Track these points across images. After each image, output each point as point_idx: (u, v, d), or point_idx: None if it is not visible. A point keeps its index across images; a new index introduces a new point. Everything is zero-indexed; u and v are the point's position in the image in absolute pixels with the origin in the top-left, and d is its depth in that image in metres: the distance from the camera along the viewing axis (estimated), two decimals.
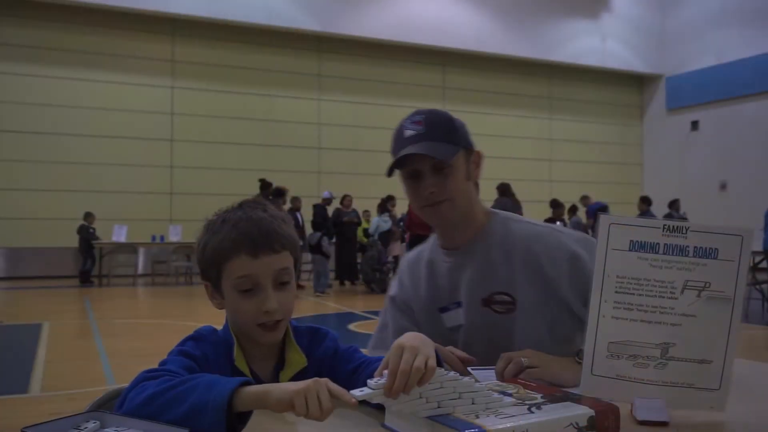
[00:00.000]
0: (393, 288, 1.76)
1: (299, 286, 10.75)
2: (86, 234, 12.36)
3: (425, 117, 1.53)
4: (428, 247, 1.71)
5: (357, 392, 0.96)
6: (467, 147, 1.56)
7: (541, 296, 1.53)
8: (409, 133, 1.52)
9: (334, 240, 11.53)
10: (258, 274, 1.15)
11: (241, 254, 1.15)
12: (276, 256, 1.16)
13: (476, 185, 1.61)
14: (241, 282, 1.15)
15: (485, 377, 1.29)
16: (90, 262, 12.46)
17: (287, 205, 10.66)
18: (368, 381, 0.97)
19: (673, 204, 13.43)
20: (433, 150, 1.48)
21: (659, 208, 13.25)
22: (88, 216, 12.50)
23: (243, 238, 1.15)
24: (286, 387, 0.92)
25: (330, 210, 11.46)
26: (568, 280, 1.51)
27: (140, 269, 13.49)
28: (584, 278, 1.45)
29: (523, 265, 1.54)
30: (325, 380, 0.92)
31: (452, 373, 1.01)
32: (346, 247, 11.73)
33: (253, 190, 11.23)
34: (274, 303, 1.15)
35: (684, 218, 13.13)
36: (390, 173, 1.54)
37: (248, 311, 1.16)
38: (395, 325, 1.68)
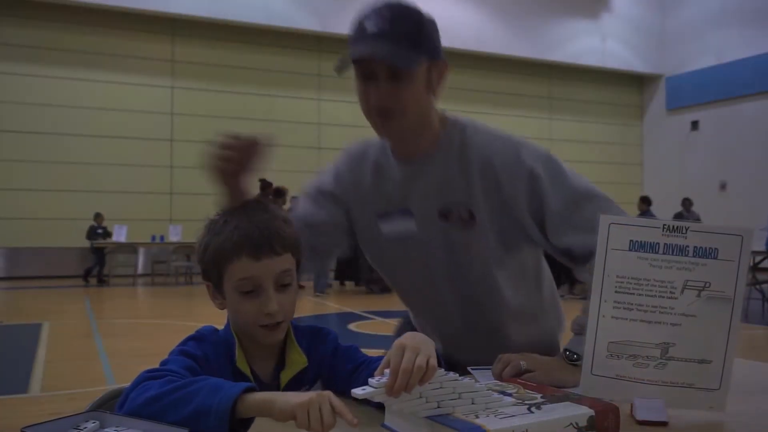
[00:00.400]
0: (324, 178, 1.60)
1: (299, 286, 10.73)
2: (92, 234, 12.41)
3: (392, 13, 1.34)
4: (376, 147, 1.55)
5: (359, 391, 0.96)
6: (434, 56, 1.38)
7: (496, 213, 1.43)
8: (371, 28, 1.33)
9: None
10: (259, 276, 1.15)
11: (243, 256, 1.14)
12: (278, 258, 1.16)
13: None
14: (242, 284, 1.15)
15: (485, 377, 1.29)
16: (96, 261, 12.47)
17: (287, 205, 10.66)
18: (370, 380, 0.97)
19: (685, 203, 13.33)
20: (394, 55, 1.30)
21: (659, 208, 13.25)
22: (97, 216, 12.54)
23: (245, 240, 1.15)
24: (289, 398, 0.92)
25: None
26: (526, 199, 1.41)
27: (140, 269, 13.50)
28: (540, 199, 1.40)
29: (481, 178, 1.42)
30: (328, 394, 0.92)
31: (452, 373, 1.01)
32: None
33: (253, 190, 11.23)
34: (275, 305, 1.15)
35: (697, 218, 13.06)
36: (339, 71, 1.35)
37: (249, 313, 1.16)
38: (306, 211, 1.56)
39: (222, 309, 1.23)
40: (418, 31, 1.36)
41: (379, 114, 1.36)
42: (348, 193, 1.56)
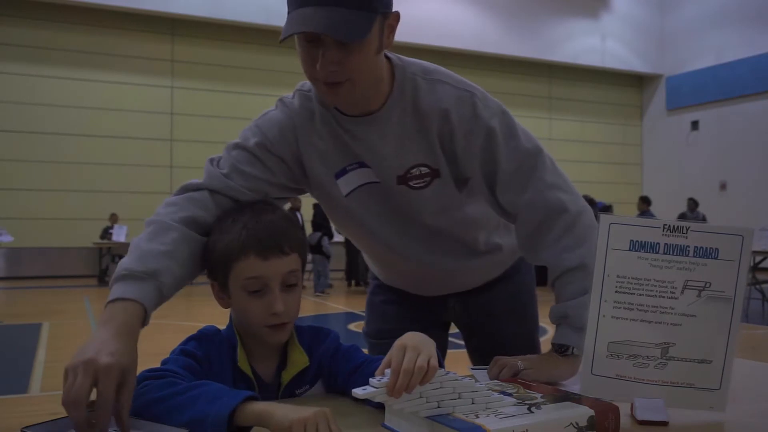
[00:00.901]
0: (266, 135, 1.36)
1: None
2: (106, 234, 12.44)
3: None
4: (318, 100, 1.37)
5: (359, 390, 0.96)
6: (387, 9, 1.23)
7: (452, 164, 1.37)
8: None
9: (333, 240, 11.52)
10: (266, 276, 1.15)
11: (251, 256, 1.14)
12: (285, 258, 1.16)
13: None
14: (249, 283, 1.15)
15: (485, 377, 1.29)
16: (112, 261, 12.52)
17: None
18: (371, 379, 0.97)
19: (690, 203, 13.23)
20: (342, 26, 1.15)
21: (659, 208, 13.25)
22: (111, 216, 12.58)
23: (253, 240, 1.14)
24: (287, 412, 0.92)
25: None
26: (479, 155, 1.34)
27: None
28: (494, 156, 1.35)
29: (437, 131, 1.34)
30: (327, 413, 0.92)
31: (452, 373, 1.01)
32: (355, 248, 11.68)
33: None
34: (282, 305, 1.15)
35: (702, 219, 13.00)
36: (283, 39, 1.19)
37: (256, 312, 1.16)
38: (239, 167, 1.33)
39: (226, 308, 1.22)
40: None
41: (326, 84, 1.23)
42: (297, 153, 1.38)
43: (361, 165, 1.38)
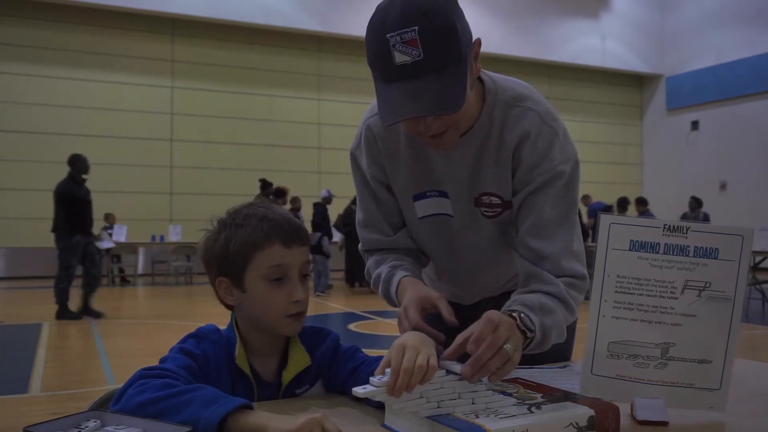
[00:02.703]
0: (365, 168, 1.44)
1: None
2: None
3: (420, 30, 1.09)
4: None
5: (359, 389, 0.96)
6: (470, 50, 1.19)
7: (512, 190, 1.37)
8: (401, 58, 1.11)
9: (335, 240, 11.54)
10: (289, 264, 1.19)
11: (275, 244, 1.17)
12: (303, 249, 1.21)
13: None
14: (273, 271, 1.17)
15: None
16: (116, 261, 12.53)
17: (287, 206, 10.66)
18: (371, 378, 0.97)
19: (692, 202, 13.09)
20: (438, 101, 1.13)
21: (660, 208, 13.23)
22: (108, 216, 12.56)
23: (277, 230, 1.18)
24: (283, 424, 0.91)
25: (332, 209, 11.44)
26: (530, 192, 1.32)
27: (140, 269, 13.50)
28: (541, 196, 1.31)
29: (511, 160, 1.33)
30: (320, 417, 0.91)
31: (452, 374, 1.01)
32: (356, 248, 11.67)
33: (253, 190, 11.23)
34: (303, 293, 1.19)
35: (704, 219, 12.91)
36: (388, 126, 1.20)
37: (277, 302, 1.18)
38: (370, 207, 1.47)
39: (235, 304, 1.22)
40: (454, 39, 1.13)
41: (431, 137, 1.23)
42: (386, 173, 1.44)
43: (442, 194, 1.40)
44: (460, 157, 1.35)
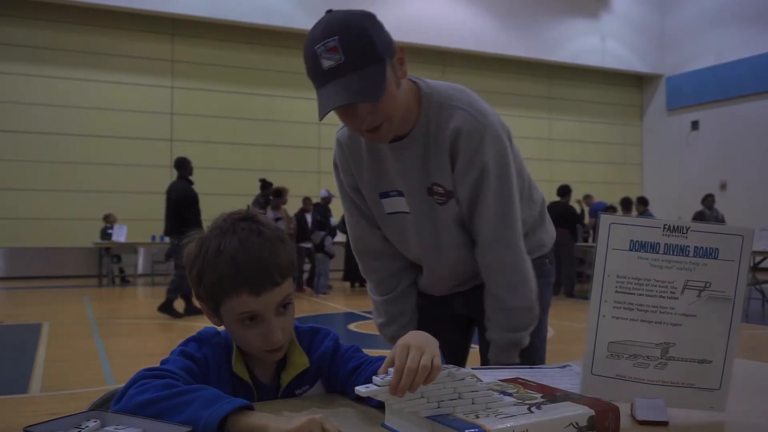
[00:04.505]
0: (340, 178, 1.72)
1: (300, 290, 10.73)
2: (105, 235, 12.43)
3: (339, 39, 1.33)
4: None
5: (362, 388, 0.96)
6: (391, 53, 1.41)
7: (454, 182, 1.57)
8: (327, 63, 1.34)
9: (334, 240, 11.53)
10: (260, 309, 1.13)
11: (243, 294, 1.11)
12: (278, 289, 1.13)
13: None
14: (242, 317, 1.13)
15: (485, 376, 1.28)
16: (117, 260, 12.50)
17: (287, 205, 10.66)
18: (374, 377, 0.97)
19: (706, 200, 12.84)
20: (361, 90, 1.34)
21: (660, 208, 13.22)
22: (108, 216, 12.53)
23: (243, 277, 1.10)
24: (282, 425, 0.91)
25: (333, 209, 11.43)
26: (470, 183, 1.53)
27: (140, 269, 13.49)
28: (478, 195, 1.54)
29: (449, 154, 1.54)
30: (320, 418, 0.91)
31: (452, 367, 1.01)
32: None
33: (253, 190, 11.23)
34: (278, 335, 1.14)
35: (721, 218, 12.68)
36: (321, 118, 1.40)
37: (251, 340, 1.15)
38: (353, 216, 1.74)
39: (219, 326, 1.21)
40: (370, 44, 1.35)
41: (368, 132, 1.44)
42: (355, 177, 1.67)
43: (399, 193, 1.62)
44: (409, 155, 1.56)
